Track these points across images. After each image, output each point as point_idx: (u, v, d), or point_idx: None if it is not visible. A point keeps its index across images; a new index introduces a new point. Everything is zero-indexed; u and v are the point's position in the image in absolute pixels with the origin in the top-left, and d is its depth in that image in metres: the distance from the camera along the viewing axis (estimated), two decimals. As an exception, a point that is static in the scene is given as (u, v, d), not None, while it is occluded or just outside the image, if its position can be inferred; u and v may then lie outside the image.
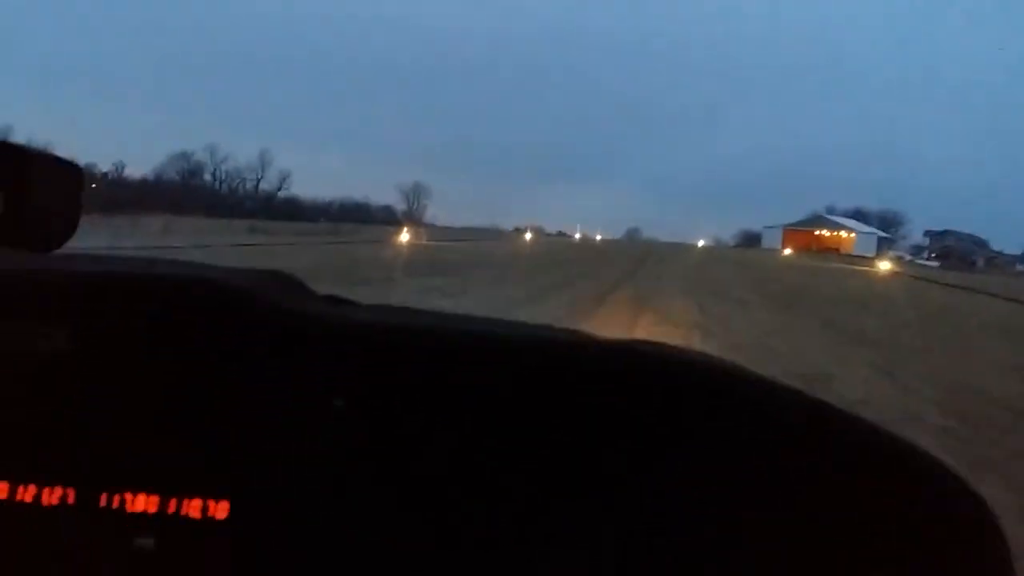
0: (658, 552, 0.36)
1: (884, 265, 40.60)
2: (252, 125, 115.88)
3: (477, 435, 0.37)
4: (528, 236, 52.66)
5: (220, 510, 0.37)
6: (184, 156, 65.65)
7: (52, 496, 0.38)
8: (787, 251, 66.42)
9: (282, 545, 0.37)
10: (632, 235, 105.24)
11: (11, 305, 0.40)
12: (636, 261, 29.70)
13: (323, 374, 0.38)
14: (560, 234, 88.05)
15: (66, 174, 0.71)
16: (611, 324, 9.26)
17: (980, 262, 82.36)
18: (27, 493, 0.38)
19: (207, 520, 0.37)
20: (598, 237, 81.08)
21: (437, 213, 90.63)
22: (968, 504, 0.36)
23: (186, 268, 0.43)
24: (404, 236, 32.60)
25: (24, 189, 0.64)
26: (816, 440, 0.36)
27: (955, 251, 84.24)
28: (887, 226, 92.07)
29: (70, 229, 0.69)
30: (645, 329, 9.31)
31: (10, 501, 0.38)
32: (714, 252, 55.55)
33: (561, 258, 27.72)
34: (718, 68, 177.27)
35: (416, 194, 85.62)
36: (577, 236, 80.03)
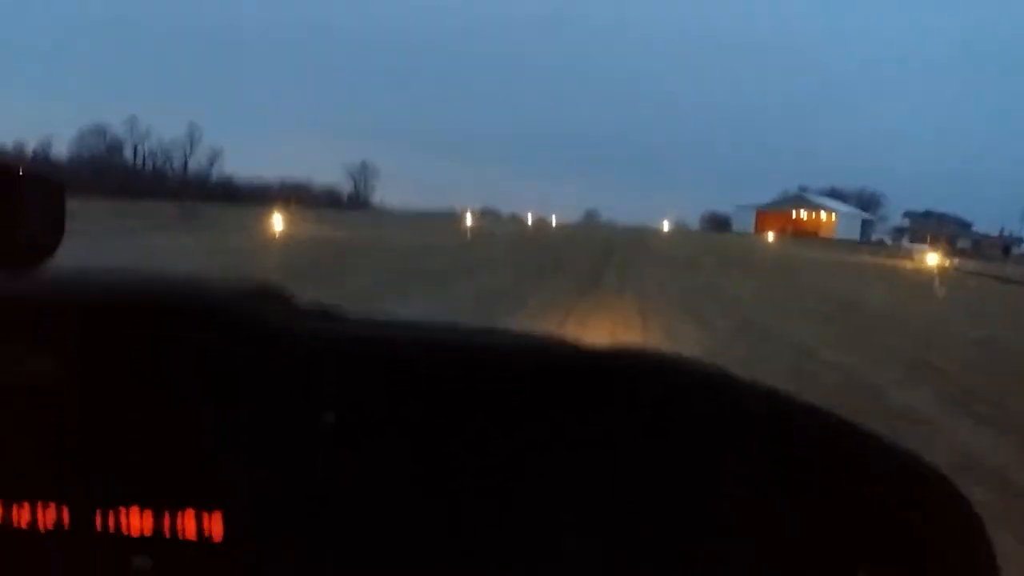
0: (651, 552, 0.36)
1: (930, 258, 31.18)
2: (178, 97, 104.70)
3: (472, 443, 0.37)
4: (468, 222, 43.45)
5: (215, 527, 0.37)
6: (99, 131, 57.57)
7: (47, 518, 0.38)
8: (769, 236, 58.36)
9: (279, 559, 0.37)
10: (590, 218, 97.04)
11: (1, 328, 0.39)
12: (598, 260, 21.14)
13: (312, 389, 0.38)
14: (514, 218, 79.08)
15: (49, 191, 0.72)
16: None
17: (966, 245, 75.60)
18: (22, 516, 0.38)
19: (203, 538, 0.37)
20: (554, 221, 72.54)
21: (387, 195, 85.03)
22: (955, 505, 0.36)
23: (173, 283, 0.43)
24: (276, 223, 23.86)
25: (7, 207, 0.64)
26: (801, 438, 0.37)
27: (940, 234, 77.44)
28: (865, 207, 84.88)
29: (53, 246, 0.69)
30: None
31: (5, 525, 0.38)
32: (690, 240, 46.67)
33: (494, 255, 19.49)
34: (667, 41, 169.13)
35: (364, 174, 78.85)
36: (530, 221, 71.27)
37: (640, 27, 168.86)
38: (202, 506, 0.37)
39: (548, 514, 0.37)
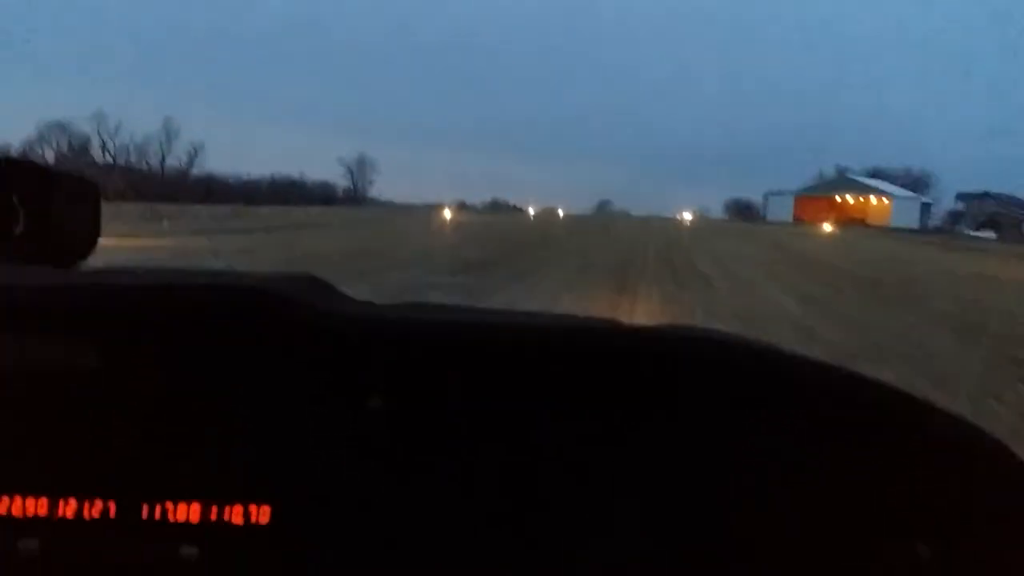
0: (704, 525, 0.36)
1: None
2: (151, 90, 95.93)
3: (522, 425, 0.37)
4: (447, 215, 34.46)
5: (263, 515, 0.37)
6: (61, 126, 50.61)
7: (93, 510, 0.38)
8: (825, 227, 48.72)
9: (326, 546, 0.37)
10: (603, 208, 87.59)
11: (45, 321, 0.39)
12: (617, 273, 12.17)
13: (359, 375, 0.38)
14: (515, 209, 69.67)
15: (84, 191, 0.74)
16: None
17: (1030, 230, 65.42)
18: (68, 508, 0.38)
19: (250, 526, 0.37)
20: (560, 213, 63.21)
21: (386, 189, 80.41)
22: (1017, 476, 0.36)
23: (218, 276, 0.43)
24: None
25: (45, 207, 0.67)
26: (857, 411, 0.37)
27: (1004, 218, 67.21)
28: (913, 188, 74.70)
29: (89, 245, 0.72)
30: None
31: (51, 517, 0.38)
32: (731, 233, 36.97)
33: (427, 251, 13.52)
34: (673, 22, 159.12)
35: (361, 169, 72.26)
36: (531, 212, 61.92)
37: (645, 9, 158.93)
38: (250, 496, 0.37)
39: (604, 495, 0.36)
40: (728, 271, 14.77)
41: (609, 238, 24.59)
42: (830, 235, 39.79)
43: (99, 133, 52.84)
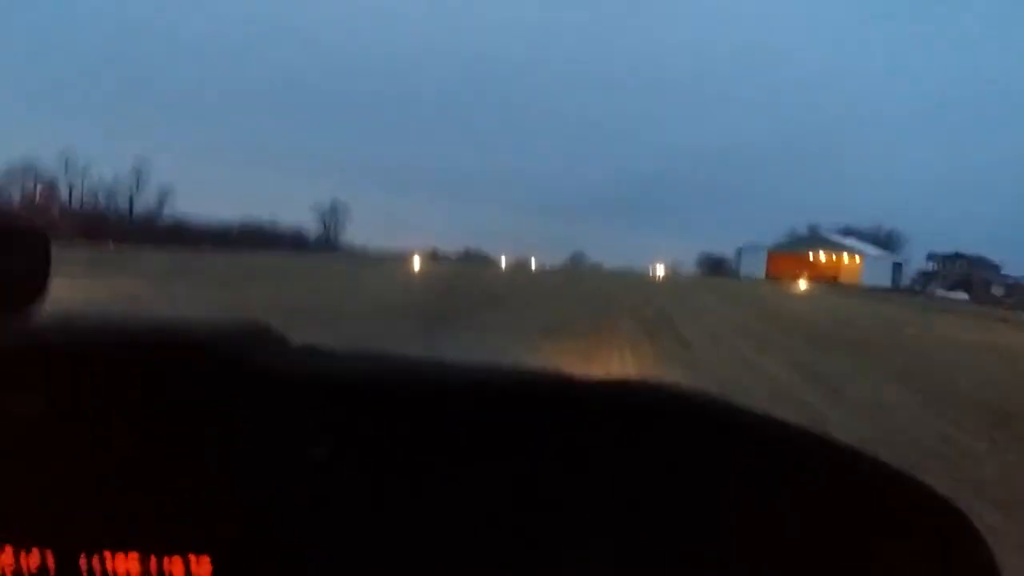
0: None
1: None
2: (119, 132, 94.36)
3: (463, 477, 0.37)
4: (415, 265, 33.29)
5: (203, 567, 0.37)
6: (28, 168, 49.74)
7: (31, 560, 0.37)
8: (802, 283, 48.00)
9: None
10: (576, 260, 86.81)
11: None
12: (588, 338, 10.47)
13: (302, 424, 0.38)
14: (487, 261, 68.51)
15: (34, 238, 0.74)
16: None
17: (999, 290, 65.49)
18: (4, 559, 0.37)
19: None
20: (533, 264, 62.19)
21: (360, 235, 80.00)
22: (967, 538, 0.36)
23: (160, 324, 0.43)
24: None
25: None
26: (811, 467, 0.37)
27: (974, 279, 67.28)
28: (886, 247, 74.85)
29: (37, 293, 0.71)
30: None
31: None
32: (706, 288, 35.85)
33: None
34: (655, 81, 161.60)
35: (334, 214, 72.59)
36: (503, 264, 60.81)
37: (625, 68, 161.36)
38: (191, 550, 0.37)
39: (550, 548, 0.36)
40: (718, 340, 13.40)
41: (579, 293, 23.15)
42: (809, 294, 38.64)
43: (66, 174, 51.57)
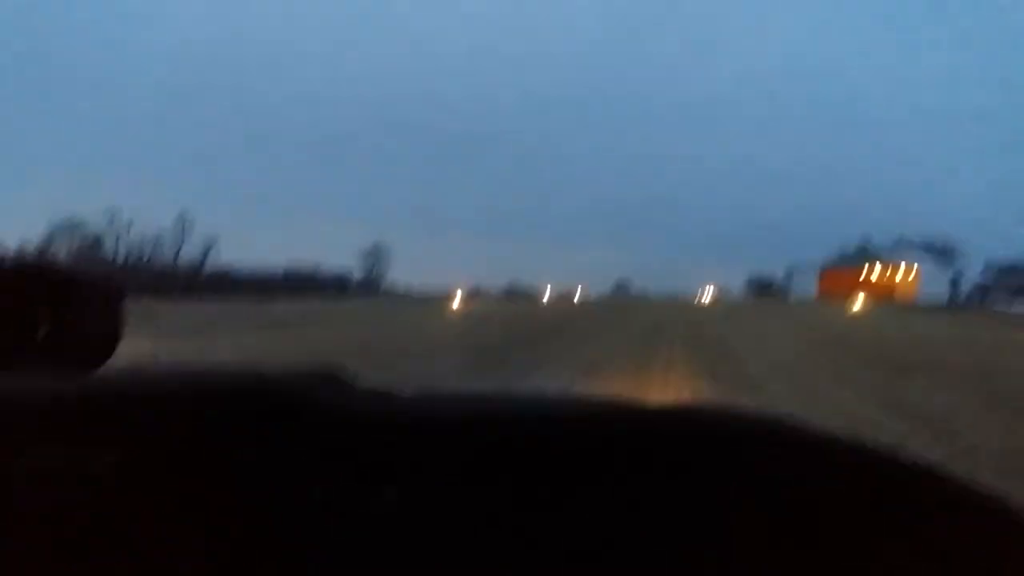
0: None
1: None
2: (165, 182, 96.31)
3: (540, 515, 0.36)
4: (455, 305, 32.83)
5: None
6: (74, 225, 50.07)
7: None
8: (857, 304, 46.37)
9: None
10: (621, 289, 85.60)
11: (58, 428, 0.40)
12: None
13: (372, 466, 0.38)
14: (527, 296, 67.84)
15: (108, 293, 0.75)
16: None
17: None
18: None
19: None
20: (577, 297, 61.37)
21: (402, 276, 79.73)
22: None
23: (226, 373, 0.43)
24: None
25: (67, 310, 0.67)
26: (887, 488, 0.36)
27: (1037, 289, 64.38)
28: (940, 259, 72.30)
29: (111, 348, 0.71)
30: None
31: None
32: (769, 325, 34.51)
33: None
34: (692, 104, 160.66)
35: (376, 256, 71.99)
36: (546, 297, 60.06)
37: (663, 92, 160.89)
38: None
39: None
40: (791, 374, 12.51)
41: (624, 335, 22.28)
42: (876, 317, 36.34)
43: (112, 230, 52.48)
